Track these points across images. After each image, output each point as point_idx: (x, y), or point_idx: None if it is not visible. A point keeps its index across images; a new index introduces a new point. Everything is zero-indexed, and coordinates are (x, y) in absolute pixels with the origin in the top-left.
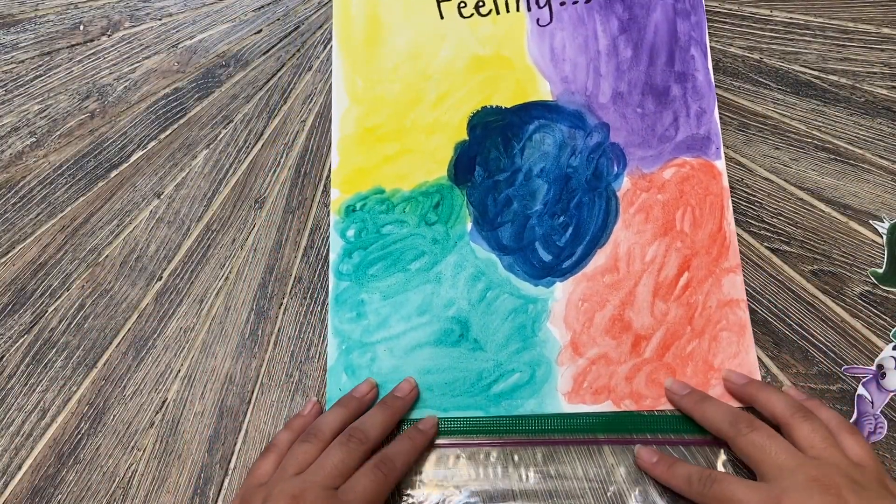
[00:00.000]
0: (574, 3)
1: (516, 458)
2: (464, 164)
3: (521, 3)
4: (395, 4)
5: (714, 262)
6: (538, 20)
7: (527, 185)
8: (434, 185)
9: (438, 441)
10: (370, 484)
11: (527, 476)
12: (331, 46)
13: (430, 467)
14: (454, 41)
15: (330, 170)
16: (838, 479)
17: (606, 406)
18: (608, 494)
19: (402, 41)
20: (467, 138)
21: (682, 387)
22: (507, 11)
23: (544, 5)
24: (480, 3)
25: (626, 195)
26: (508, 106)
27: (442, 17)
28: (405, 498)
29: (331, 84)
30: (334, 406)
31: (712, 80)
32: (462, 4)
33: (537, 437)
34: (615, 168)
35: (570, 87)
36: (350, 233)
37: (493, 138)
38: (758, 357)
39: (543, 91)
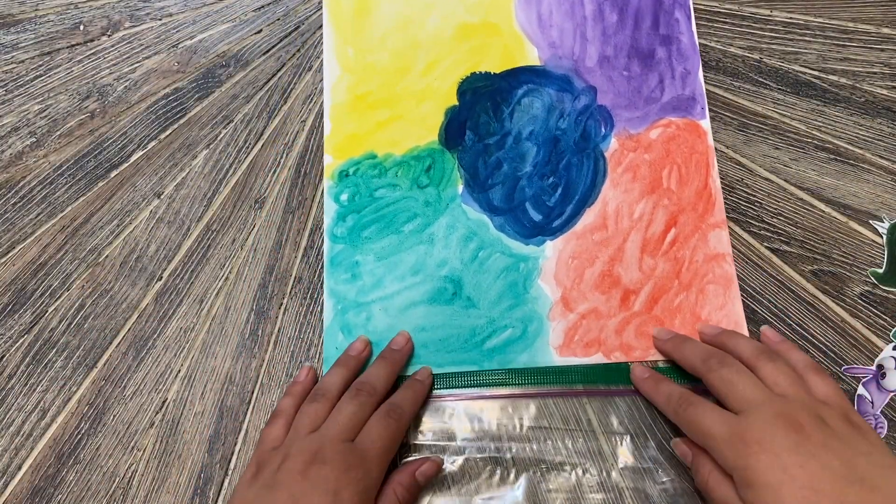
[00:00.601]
0: None
1: (510, 409)
2: (454, 129)
3: None
4: None
5: (700, 217)
6: None
7: (516, 148)
8: (426, 150)
9: (435, 394)
10: (384, 431)
11: (521, 425)
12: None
13: (427, 420)
14: (442, 9)
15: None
16: (803, 416)
17: (597, 358)
18: (600, 442)
19: (391, 10)
20: (457, 104)
21: (667, 333)
22: None
23: None
24: None
25: (613, 155)
26: (497, 72)
27: None
28: (406, 451)
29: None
30: (333, 367)
31: (696, 42)
32: None
33: (531, 388)
34: (602, 129)
35: (557, 52)
36: (344, 197)
37: (482, 103)
38: None
39: (531, 56)
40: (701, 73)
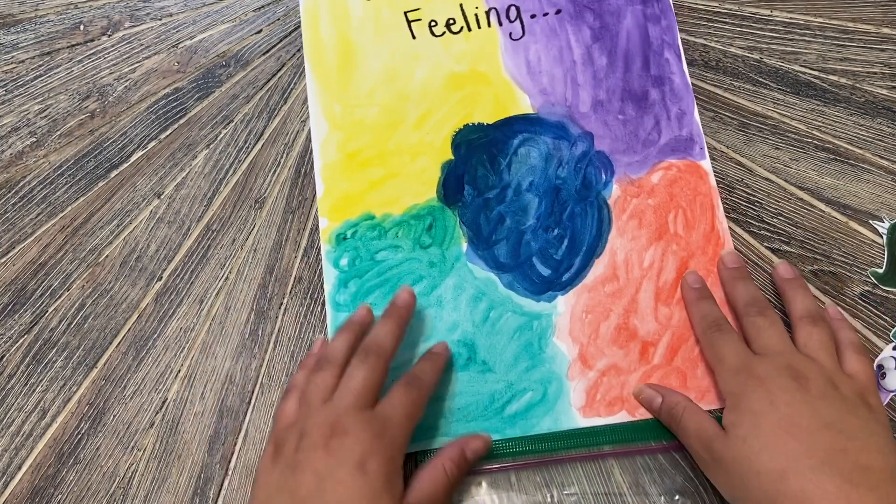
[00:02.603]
0: (544, 15)
1: (538, 478)
2: (452, 185)
3: (491, 18)
4: (366, 26)
5: (711, 261)
6: (510, 34)
7: (517, 201)
8: (425, 208)
9: None
10: (406, 399)
11: (552, 494)
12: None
13: (453, 496)
14: (429, 60)
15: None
16: (813, 374)
17: (621, 416)
18: None
19: (377, 64)
20: (452, 158)
21: (734, 261)
22: (479, 27)
23: (515, 19)
24: (451, 21)
25: (617, 202)
26: (490, 122)
27: (414, 37)
28: None
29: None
30: (338, 333)
31: (689, 81)
32: (433, 23)
33: (557, 455)
34: (603, 176)
35: (549, 99)
36: (343, 261)
37: (478, 156)
38: None
39: (523, 104)
40: (696, 113)
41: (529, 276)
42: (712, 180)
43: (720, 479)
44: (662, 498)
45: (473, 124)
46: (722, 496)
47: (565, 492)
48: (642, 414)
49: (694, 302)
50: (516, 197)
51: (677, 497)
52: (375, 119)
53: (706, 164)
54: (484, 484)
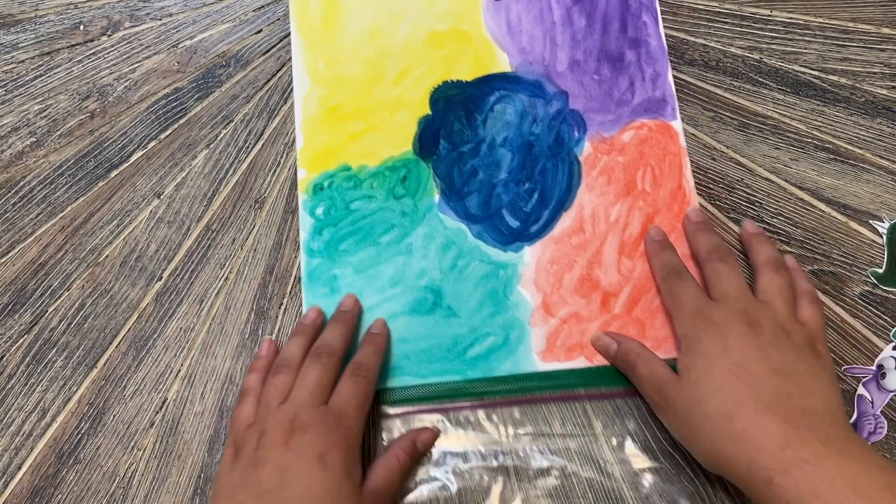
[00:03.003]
0: None
1: (495, 417)
2: (428, 138)
3: None
4: None
5: (676, 217)
6: None
7: (491, 155)
8: (400, 160)
9: (419, 407)
10: (355, 389)
11: (507, 434)
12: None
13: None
14: (412, 18)
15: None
16: (766, 320)
17: (580, 362)
18: (588, 444)
19: (361, 20)
20: (430, 113)
21: (698, 215)
22: None
23: None
24: None
25: (588, 159)
26: (469, 79)
27: None
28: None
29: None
30: (291, 337)
31: (664, 44)
32: None
33: (515, 396)
34: (576, 134)
35: (527, 58)
36: (319, 210)
37: (455, 111)
38: None
39: (502, 63)
40: (670, 75)
41: (498, 226)
42: (682, 140)
43: (672, 422)
44: (614, 440)
45: (452, 81)
46: (672, 438)
47: (520, 431)
48: (600, 360)
49: (655, 253)
50: (490, 151)
51: (628, 440)
52: (357, 74)
53: (677, 124)
54: (444, 422)
